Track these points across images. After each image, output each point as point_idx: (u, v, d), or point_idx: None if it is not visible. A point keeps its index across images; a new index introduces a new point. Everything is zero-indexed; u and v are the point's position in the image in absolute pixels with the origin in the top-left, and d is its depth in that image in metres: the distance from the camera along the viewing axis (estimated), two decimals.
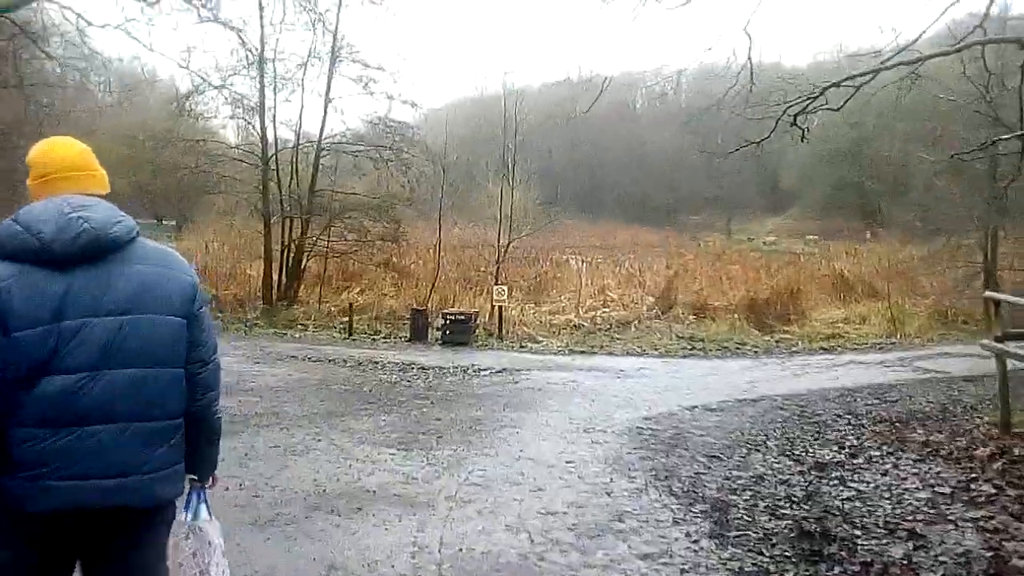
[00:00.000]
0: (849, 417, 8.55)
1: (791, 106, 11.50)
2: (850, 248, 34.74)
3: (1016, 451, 5.67)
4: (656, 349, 15.05)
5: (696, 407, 9.28)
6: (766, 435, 7.35)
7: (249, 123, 19.89)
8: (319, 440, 6.74)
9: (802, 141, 12.97)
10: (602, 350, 14.98)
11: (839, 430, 7.74)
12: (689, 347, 15.29)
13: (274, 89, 19.10)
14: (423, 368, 11.84)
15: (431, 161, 20.11)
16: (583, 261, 25.80)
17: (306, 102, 19.56)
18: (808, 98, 11.46)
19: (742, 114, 12.94)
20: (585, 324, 17.35)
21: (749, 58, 11.17)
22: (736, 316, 17.70)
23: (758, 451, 6.62)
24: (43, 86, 18.25)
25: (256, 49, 18.36)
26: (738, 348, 15.40)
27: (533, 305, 19.49)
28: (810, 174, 53.75)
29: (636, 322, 17.21)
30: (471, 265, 22.97)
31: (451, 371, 11.68)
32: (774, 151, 53.49)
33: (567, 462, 6.33)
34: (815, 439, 7.16)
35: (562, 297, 20.55)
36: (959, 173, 20.28)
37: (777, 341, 16.29)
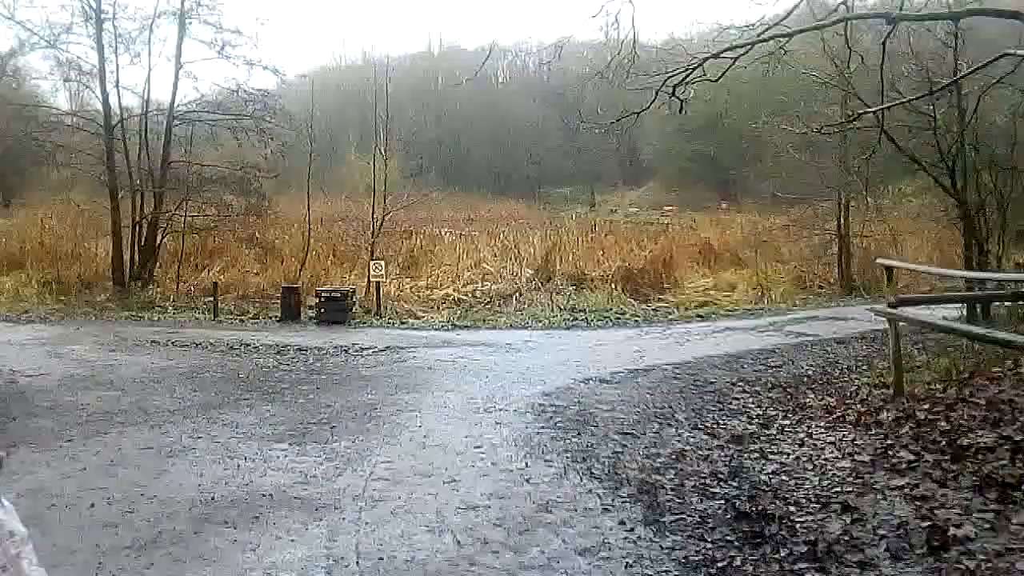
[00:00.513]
0: (742, 384, 8.60)
1: (671, 77, 11.51)
2: (706, 218, 35.96)
3: (919, 415, 5.76)
4: (539, 321, 14.88)
5: (591, 379, 9.12)
6: (671, 407, 7.23)
7: (87, 87, 17.99)
8: (198, 438, 6.00)
9: (680, 112, 12.99)
10: (485, 324, 14.66)
11: (737, 398, 7.74)
12: (571, 318, 15.21)
13: (115, 51, 17.33)
14: (301, 350, 11.08)
15: (295, 131, 18.93)
16: (457, 234, 25.29)
17: (154, 66, 17.81)
18: (687, 69, 11.52)
19: (621, 85, 12.89)
20: (465, 298, 16.97)
21: (633, 25, 11.00)
22: (613, 286, 17.79)
23: (669, 425, 6.47)
24: None
25: (93, 4, 16.56)
26: (619, 318, 15.46)
27: (409, 280, 18.88)
28: (668, 147, 55.34)
29: (517, 295, 16.96)
30: (341, 240, 22.00)
31: (331, 352, 10.99)
32: (633, 125, 54.94)
33: (476, 447, 5.93)
34: (719, 410, 7.10)
35: (437, 271, 20.04)
36: (812, 146, 21.34)
37: (655, 310, 16.51)
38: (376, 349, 11.28)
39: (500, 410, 7.31)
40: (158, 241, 17.45)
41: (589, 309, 15.92)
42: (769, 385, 8.47)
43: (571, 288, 17.39)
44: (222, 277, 17.48)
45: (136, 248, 17.08)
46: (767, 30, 11.09)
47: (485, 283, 17.71)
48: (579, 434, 6.27)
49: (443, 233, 26.35)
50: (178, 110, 17.95)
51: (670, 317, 15.85)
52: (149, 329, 13.01)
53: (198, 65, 19.66)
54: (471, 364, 10.21)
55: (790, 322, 14.92)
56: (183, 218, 17.58)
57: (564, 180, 60.88)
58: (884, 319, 7.32)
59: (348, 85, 61.27)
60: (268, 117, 18.06)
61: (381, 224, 17.58)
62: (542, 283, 17.79)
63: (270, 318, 14.83)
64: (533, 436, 6.25)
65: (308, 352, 10.84)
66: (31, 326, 13.00)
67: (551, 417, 6.93)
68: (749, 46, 11.15)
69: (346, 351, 11.10)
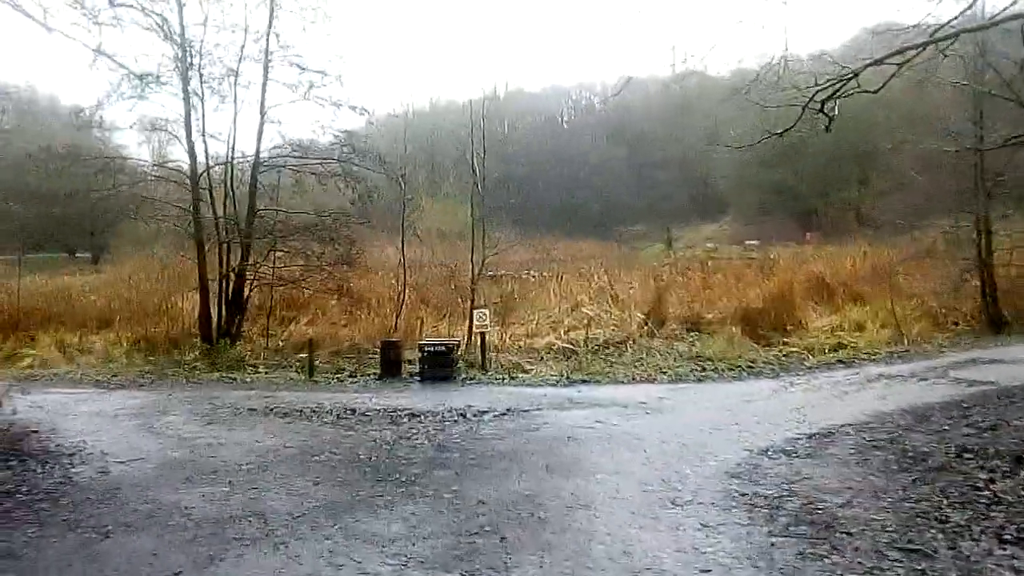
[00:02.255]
0: (971, 457, 6.90)
1: (820, 90, 10.05)
2: (795, 251, 33.78)
3: None
4: (664, 373, 13.29)
5: (770, 451, 7.62)
6: (923, 499, 5.59)
7: (174, 136, 17.30)
8: (339, 566, 4.59)
9: (827, 131, 11.44)
10: (604, 377, 13.14)
11: (987, 478, 6.06)
12: (699, 368, 13.60)
13: (201, 98, 16.57)
14: (414, 415, 9.75)
15: (385, 173, 17.87)
16: (553, 277, 23.83)
17: (239, 111, 16.95)
18: (839, 80, 10.03)
19: (762, 102, 11.48)
20: (572, 347, 15.47)
21: (785, 33, 9.63)
22: (733, 329, 16.10)
23: (955, 533, 4.83)
24: None
25: (178, 49, 15.91)
26: (750, 367, 13.77)
27: (505, 328, 17.50)
28: (743, 178, 53.20)
29: (629, 342, 15.41)
30: (428, 288, 20.86)
31: (448, 417, 9.64)
32: (704, 158, 53.04)
33: (704, 572, 4.42)
34: (995, 503, 5.41)
35: (534, 318, 18.65)
36: (937, 168, 19.42)
37: (786, 355, 14.77)
38: (495, 412, 9.90)
39: (690, 503, 5.81)
40: (246, 295, 16.52)
41: (715, 357, 14.27)
42: (1010, 457, 6.75)
43: (692, 334, 15.73)
44: (310, 331, 16.43)
45: (224, 302, 16.16)
46: (938, 30, 9.56)
47: (595, 330, 16.19)
48: (833, 547, 4.69)
49: (531, 276, 25.05)
50: (263, 156, 17.11)
51: (807, 364, 14.11)
52: (243, 393, 11.86)
53: (283, 109, 18.79)
54: (614, 432, 8.72)
55: (951, 366, 12.99)
56: (271, 269, 16.64)
57: (634, 217, 59.32)
58: None
59: (416, 131, 61.59)
60: (356, 159, 17.08)
61: (481, 270, 16.32)
62: (655, 328, 16.19)
63: (369, 375, 13.60)
64: (770, 550, 4.71)
65: (424, 419, 9.48)
66: (122, 392, 12.04)
67: (770, 515, 5.39)
68: (922, 47, 9.64)
69: (463, 415, 9.73)
